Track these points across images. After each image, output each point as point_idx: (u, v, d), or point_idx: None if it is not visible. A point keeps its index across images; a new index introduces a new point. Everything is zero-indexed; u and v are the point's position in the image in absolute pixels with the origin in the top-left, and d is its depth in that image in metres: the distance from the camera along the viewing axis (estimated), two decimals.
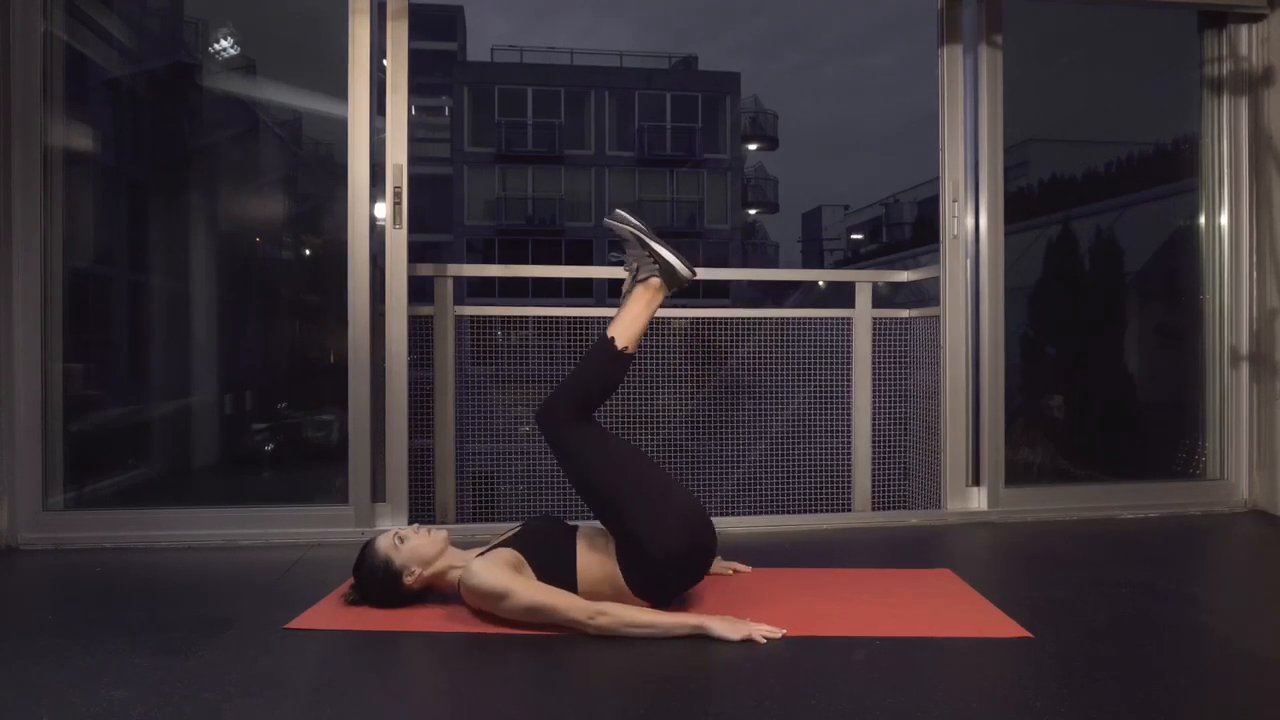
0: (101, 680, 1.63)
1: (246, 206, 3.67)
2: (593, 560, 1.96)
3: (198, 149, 3.63)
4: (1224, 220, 3.36)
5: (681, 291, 2.17)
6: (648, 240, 2.11)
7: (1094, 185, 4.01)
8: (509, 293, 21.63)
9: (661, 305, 2.17)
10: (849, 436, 3.30)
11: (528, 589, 1.87)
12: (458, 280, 3.10)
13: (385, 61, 2.88)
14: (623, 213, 2.15)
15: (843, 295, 3.42)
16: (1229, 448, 3.33)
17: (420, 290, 2.99)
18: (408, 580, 1.98)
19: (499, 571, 1.88)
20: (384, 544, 2.01)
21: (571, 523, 2.12)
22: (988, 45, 3.11)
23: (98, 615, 2.04)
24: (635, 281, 2.14)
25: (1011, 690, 1.59)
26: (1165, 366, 3.75)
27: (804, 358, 3.32)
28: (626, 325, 2.09)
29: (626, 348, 2.07)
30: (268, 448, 3.53)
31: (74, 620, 2.04)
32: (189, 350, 3.52)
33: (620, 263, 2.19)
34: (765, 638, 1.82)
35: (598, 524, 2.03)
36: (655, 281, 2.12)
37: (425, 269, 3.03)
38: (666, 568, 1.93)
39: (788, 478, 3.28)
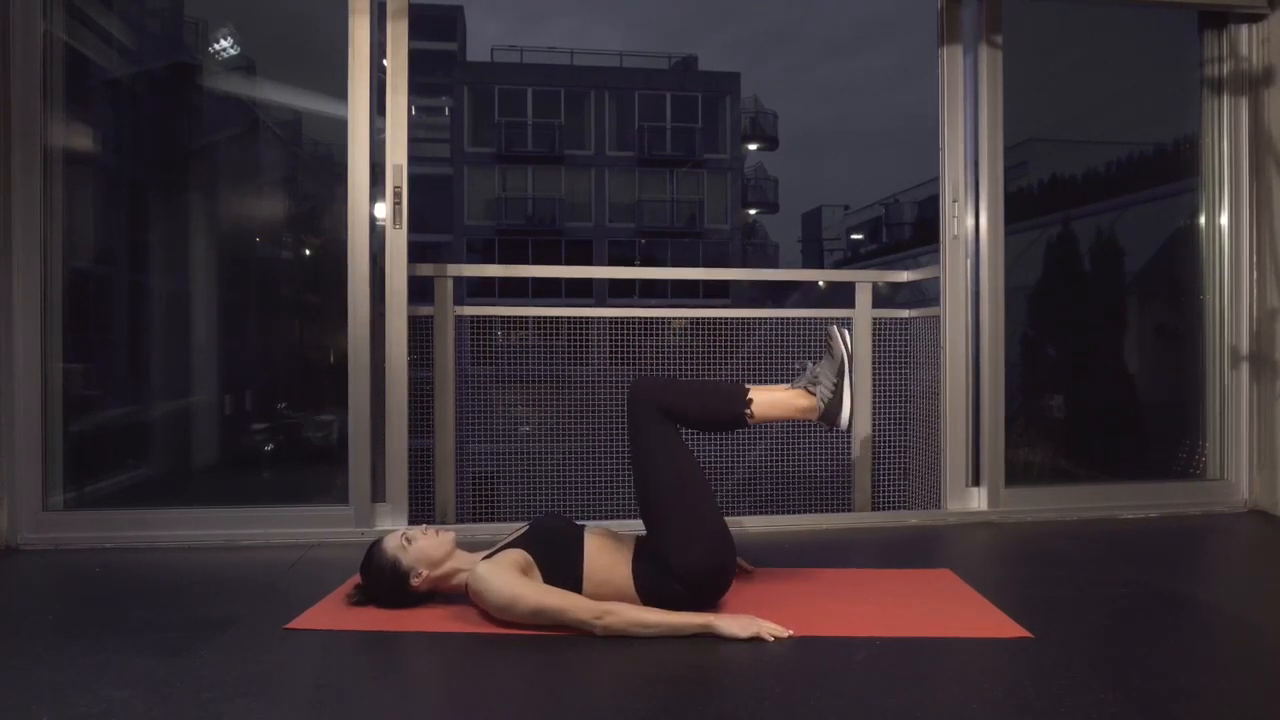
0: (101, 680, 1.63)
1: (246, 206, 3.67)
2: (601, 562, 1.96)
3: (198, 149, 3.63)
4: (1224, 220, 3.36)
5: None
6: (846, 374, 2.09)
7: (1094, 185, 4.00)
8: (509, 293, 21.65)
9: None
10: (849, 437, 3.30)
11: (534, 592, 1.86)
12: (458, 280, 3.11)
13: (385, 61, 2.88)
14: (849, 337, 2.12)
15: (843, 295, 3.42)
16: (1229, 448, 3.33)
17: (420, 290, 2.99)
18: (414, 581, 1.97)
19: (505, 576, 1.87)
20: (392, 544, 2.00)
21: (579, 522, 2.12)
22: (988, 45, 3.11)
23: (98, 615, 2.04)
24: (803, 385, 2.13)
25: (1011, 690, 1.59)
26: (1165, 367, 3.75)
27: (804, 358, 3.32)
28: (766, 402, 2.09)
29: (751, 414, 2.07)
30: (268, 448, 3.52)
31: (74, 620, 2.04)
32: (189, 350, 3.52)
33: (803, 368, 2.16)
34: (773, 636, 1.82)
35: (607, 525, 2.03)
36: (816, 404, 2.10)
37: (425, 269, 3.04)
38: (680, 584, 1.93)
39: (788, 478, 3.28)
